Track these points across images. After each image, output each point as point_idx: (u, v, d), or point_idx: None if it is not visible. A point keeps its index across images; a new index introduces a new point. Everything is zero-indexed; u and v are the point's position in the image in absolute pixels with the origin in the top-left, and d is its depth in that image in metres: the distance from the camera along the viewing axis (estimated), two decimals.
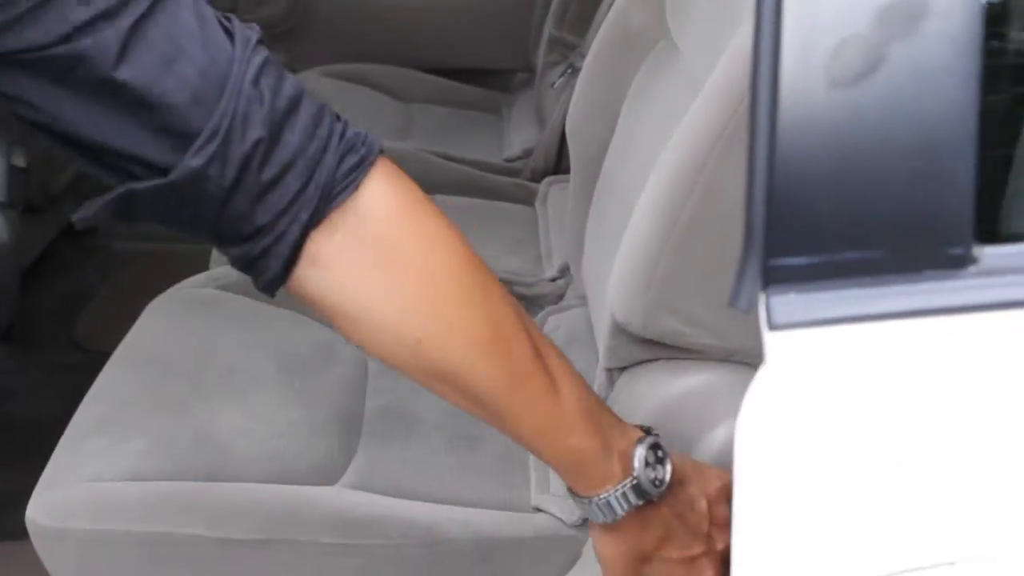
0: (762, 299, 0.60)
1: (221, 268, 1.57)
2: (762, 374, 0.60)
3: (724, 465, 1.01)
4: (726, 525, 0.90)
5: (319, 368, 1.35)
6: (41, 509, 1.11)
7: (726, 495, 0.92)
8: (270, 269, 0.76)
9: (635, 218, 1.02)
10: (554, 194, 1.81)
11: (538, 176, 1.91)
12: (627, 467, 0.85)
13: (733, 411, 1.01)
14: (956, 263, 0.61)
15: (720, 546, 0.90)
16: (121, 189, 0.71)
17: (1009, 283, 0.61)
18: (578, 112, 1.44)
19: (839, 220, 0.60)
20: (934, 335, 0.61)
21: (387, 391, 1.36)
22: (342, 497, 1.16)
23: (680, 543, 0.89)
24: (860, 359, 0.61)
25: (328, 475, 1.19)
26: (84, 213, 0.72)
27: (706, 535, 0.90)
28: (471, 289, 0.79)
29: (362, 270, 0.76)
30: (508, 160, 2.01)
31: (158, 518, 1.11)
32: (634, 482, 0.85)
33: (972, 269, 0.61)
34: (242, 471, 1.15)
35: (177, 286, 1.50)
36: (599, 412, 0.86)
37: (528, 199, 1.85)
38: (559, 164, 1.89)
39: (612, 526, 0.87)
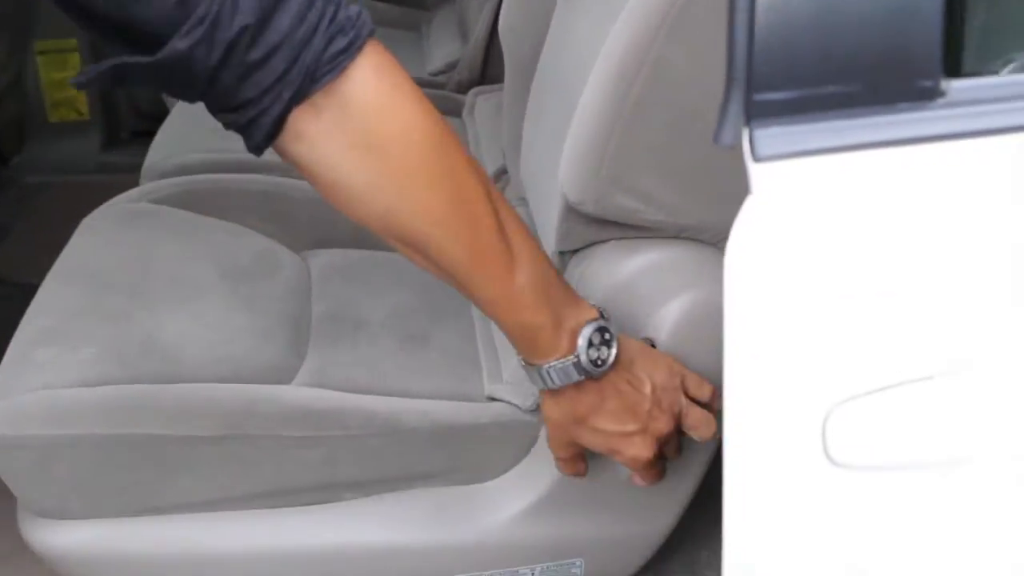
0: (745, 133, 0.62)
1: (152, 183, 1.54)
2: (748, 204, 0.62)
3: (679, 337, 1.03)
4: (669, 412, 0.95)
5: (262, 276, 1.34)
6: None
7: (675, 385, 0.97)
8: (254, 137, 0.80)
9: (583, 102, 1.03)
10: (481, 104, 1.80)
11: (464, 88, 1.90)
12: (573, 344, 0.90)
13: (685, 286, 1.05)
14: (926, 95, 0.63)
15: (660, 429, 0.95)
16: (114, 61, 0.73)
17: (974, 114, 0.64)
18: (511, 13, 1.43)
19: (818, 56, 0.62)
20: (907, 164, 0.64)
21: (331, 297, 1.35)
22: (299, 393, 1.15)
23: (614, 417, 0.94)
24: (840, 188, 0.63)
25: (282, 375, 1.18)
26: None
27: (645, 416, 0.94)
28: (440, 174, 0.83)
29: (342, 151, 0.80)
30: (432, 74, 2.00)
31: (115, 420, 1.09)
32: (575, 360, 0.90)
33: (941, 101, 0.63)
34: (195, 374, 1.14)
35: (109, 202, 1.46)
36: (555, 289, 0.91)
37: (455, 111, 1.84)
38: (485, 75, 1.88)
39: (553, 391, 0.93)
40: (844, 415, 0.64)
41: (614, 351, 0.92)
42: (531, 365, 0.93)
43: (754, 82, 0.61)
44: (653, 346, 1.04)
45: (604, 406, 0.94)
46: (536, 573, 1.18)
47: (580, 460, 1.02)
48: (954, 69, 0.64)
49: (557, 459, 1.02)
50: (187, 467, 1.11)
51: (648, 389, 0.94)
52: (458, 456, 1.16)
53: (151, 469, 1.11)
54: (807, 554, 0.67)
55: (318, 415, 1.12)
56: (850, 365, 0.64)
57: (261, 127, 0.78)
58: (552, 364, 0.91)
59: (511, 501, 1.16)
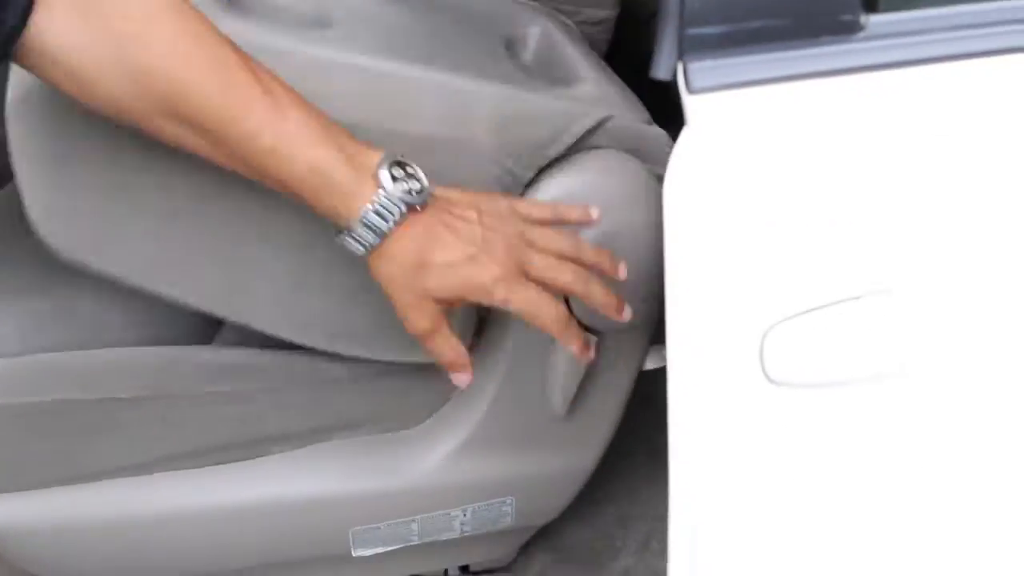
0: (680, 67, 0.63)
1: None
2: (684, 135, 0.63)
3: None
4: (503, 233, 0.89)
5: None
6: None
7: (500, 209, 0.92)
8: (6, 22, 0.75)
9: None
10: None
11: None
12: (376, 183, 0.84)
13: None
14: (847, 29, 0.66)
15: (499, 246, 0.89)
16: None
17: (891, 46, 0.67)
18: None
19: None
20: (831, 94, 0.66)
21: None
22: (220, 352, 1.13)
23: (453, 245, 0.88)
24: (769, 117, 0.65)
25: (202, 338, 1.16)
26: None
27: (480, 240, 0.88)
28: (177, 16, 0.80)
29: (76, 20, 0.77)
30: None
31: (30, 388, 1.05)
32: (386, 196, 0.84)
33: (861, 34, 0.66)
34: (114, 339, 1.11)
35: None
36: (336, 132, 0.85)
37: None
38: None
39: (380, 248, 0.87)
40: (780, 335, 0.66)
41: (423, 177, 0.87)
42: (346, 231, 0.86)
43: (687, 17, 0.62)
44: None
45: (439, 238, 0.87)
46: (468, 514, 1.19)
47: (444, 326, 0.92)
48: (872, 4, 0.67)
49: (422, 341, 0.92)
50: (108, 431, 1.08)
51: (473, 215, 0.89)
52: (381, 403, 1.16)
53: (71, 436, 1.08)
54: (749, 469, 0.69)
55: (238, 371, 1.11)
56: (784, 287, 0.66)
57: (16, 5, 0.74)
58: (366, 210, 0.84)
59: (437, 444, 1.17)
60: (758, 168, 0.66)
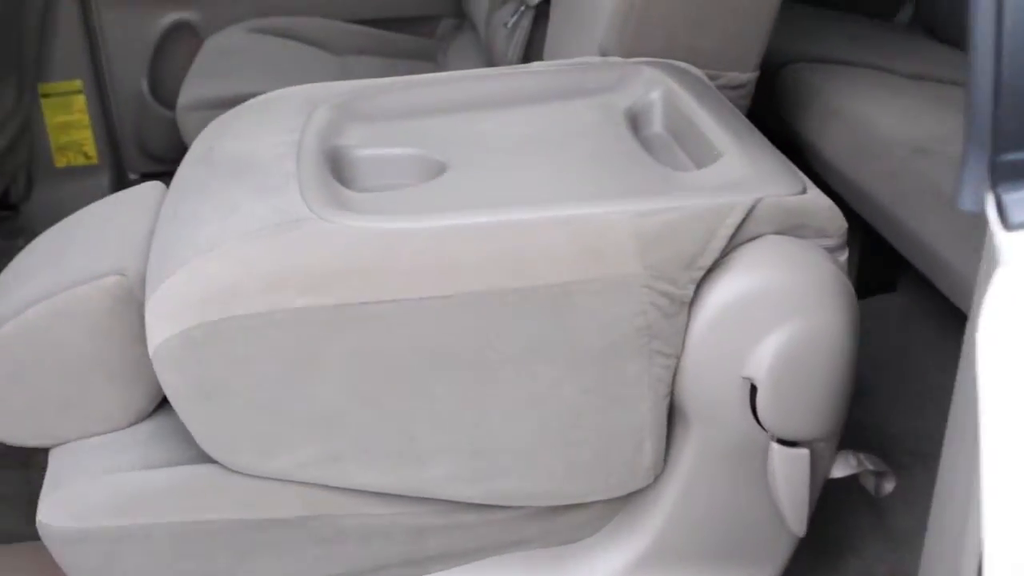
0: (990, 198, 0.52)
1: None
2: (1000, 276, 0.52)
3: (779, 374, 0.94)
4: None
5: None
6: (55, 511, 0.96)
7: None
8: None
9: None
10: None
11: None
12: None
13: (778, 318, 0.92)
14: None
15: None
16: None
17: None
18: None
19: None
20: None
21: None
22: None
23: None
24: None
25: None
26: None
27: None
28: None
29: None
30: None
31: (187, 506, 0.97)
32: None
33: None
34: None
35: None
36: None
37: None
38: None
39: None
40: None
41: None
42: None
43: (1000, 140, 0.51)
44: (754, 388, 0.95)
45: None
46: None
47: None
48: None
49: None
50: (266, 551, 0.99)
51: None
52: (552, 519, 1.05)
53: (228, 556, 0.99)
54: None
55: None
56: None
57: None
58: None
59: (610, 558, 1.06)
60: None
